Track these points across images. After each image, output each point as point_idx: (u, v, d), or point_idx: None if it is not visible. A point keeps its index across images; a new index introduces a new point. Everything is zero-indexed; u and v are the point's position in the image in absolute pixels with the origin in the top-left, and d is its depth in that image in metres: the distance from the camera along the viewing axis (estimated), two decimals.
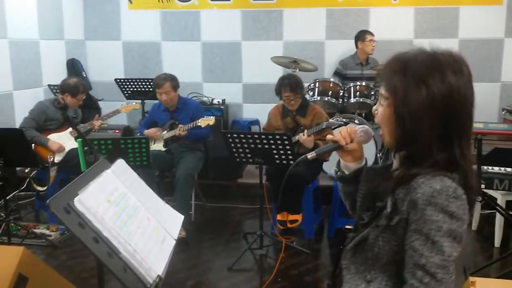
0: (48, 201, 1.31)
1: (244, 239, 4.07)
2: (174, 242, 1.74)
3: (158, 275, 1.48)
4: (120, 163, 1.84)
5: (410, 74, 1.20)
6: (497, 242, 3.94)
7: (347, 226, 3.49)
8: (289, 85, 3.95)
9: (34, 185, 4.32)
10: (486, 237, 4.11)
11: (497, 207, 3.60)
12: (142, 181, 1.91)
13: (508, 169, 3.29)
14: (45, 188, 4.32)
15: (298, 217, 4.11)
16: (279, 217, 4.16)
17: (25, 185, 5.09)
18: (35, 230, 4.05)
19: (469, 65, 1.23)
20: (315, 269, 3.64)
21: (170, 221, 1.84)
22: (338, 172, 1.51)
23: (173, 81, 4.35)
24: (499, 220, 3.90)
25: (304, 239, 4.15)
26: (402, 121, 1.21)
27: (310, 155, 1.47)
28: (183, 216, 1.98)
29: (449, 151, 1.21)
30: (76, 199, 1.39)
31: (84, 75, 6.21)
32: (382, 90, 1.27)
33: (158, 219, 1.75)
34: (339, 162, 1.50)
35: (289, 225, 4.11)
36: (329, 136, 1.46)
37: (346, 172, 1.47)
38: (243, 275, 3.52)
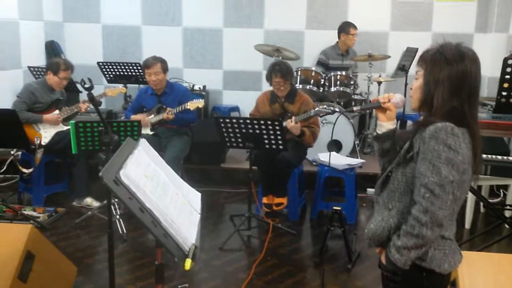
0: (100, 173, 1.40)
1: (231, 221, 4.22)
2: (199, 216, 1.86)
3: (193, 244, 1.59)
4: (144, 142, 1.93)
5: (439, 55, 1.61)
6: (467, 224, 4.24)
7: (335, 208, 3.67)
8: (280, 71, 4.08)
9: (20, 167, 4.29)
10: (457, 219, 4.38)
11: (471, 190, 3.87)
12: (162, 159, 2.01)
13: (483, 156, 3.54)
14: (30, 170, 4.30)
15: (284, 200, 4.28)
16: (265, 200, 4.31)
17: (5, 168, 5.04)
18: (23, 212, 4.05)
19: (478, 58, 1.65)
20: (302, 249, 3.81)
21: (192, 197, 1.96)
22: (375, 133, 1.88)
23: (164, 63, 4.44)
24: (470, 203, 4.19)
25: (288, 221, 4.32)
26: (427, 86, 1.62)
27: (356, 108, 2.04)
28: (199, 194, 2.10)
29: (457, 111, 1.59)
30: (121, 172, 1.48)
31: (63, 58, 6.12)
32: (418, 67, 1.68)
33: (183, 194, 1.87)
34: (375, 128, 1.90)
35: (275, 207, 4.28)
36: (374, 98, 1.82)
37: (380, 132, 1.85)
38: (235, 254, 3.67)
